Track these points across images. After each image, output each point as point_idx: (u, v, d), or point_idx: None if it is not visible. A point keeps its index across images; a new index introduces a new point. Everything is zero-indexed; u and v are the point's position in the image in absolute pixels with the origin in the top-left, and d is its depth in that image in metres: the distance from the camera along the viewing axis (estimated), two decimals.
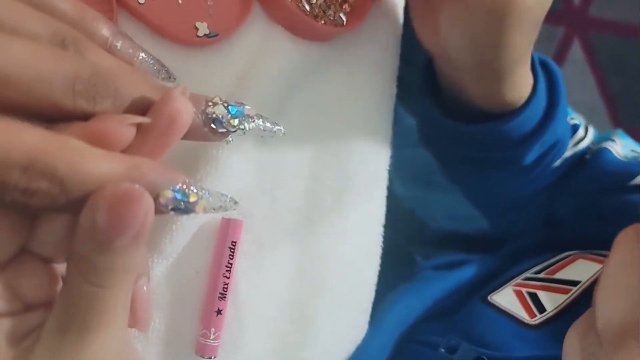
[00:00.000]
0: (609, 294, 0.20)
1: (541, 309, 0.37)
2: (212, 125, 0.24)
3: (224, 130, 0.25)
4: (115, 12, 0.30)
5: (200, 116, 0.24)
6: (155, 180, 0.21)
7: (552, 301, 0.37)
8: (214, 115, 0.24)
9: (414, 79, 0.44)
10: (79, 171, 0.19)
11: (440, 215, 0.62)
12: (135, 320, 0.25)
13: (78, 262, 0.20)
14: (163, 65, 0.29)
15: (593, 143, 0.50)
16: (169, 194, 0.22)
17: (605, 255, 0.39)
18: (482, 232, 0.61)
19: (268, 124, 0.26)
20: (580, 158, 0.49)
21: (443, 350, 0.37)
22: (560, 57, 1.32)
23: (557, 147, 0.45)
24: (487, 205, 0.54)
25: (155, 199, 0.21)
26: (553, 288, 0.39)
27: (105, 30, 0.26)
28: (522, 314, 0.37)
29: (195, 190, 0.23)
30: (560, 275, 0.40)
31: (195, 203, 0.23)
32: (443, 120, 0.42)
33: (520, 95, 0.40)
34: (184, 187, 0.22)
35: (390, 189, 0.42)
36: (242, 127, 0.25)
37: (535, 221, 0.53)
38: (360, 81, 0.40)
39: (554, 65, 0.44)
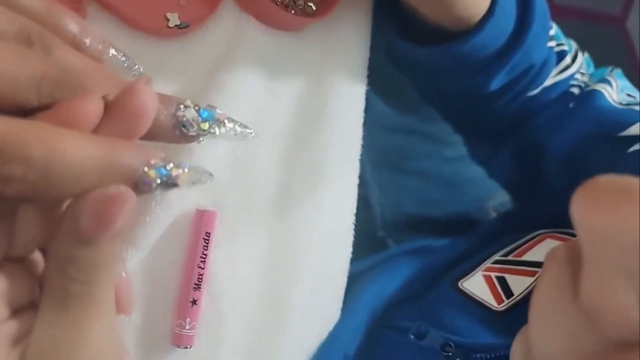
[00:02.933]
0: (540, 321, 0.18)
1: (509, 293, 0.38)
2: (183, 129, 0.24)
3: (194, 134, 0.24)
4: (85, 3, 0.30)
5: (170, 119, 0.24)
6: (134, 160, 0.21)
7: (519, 285, 0.38)
8: (184, 119, 0.24)
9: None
10: (57, 153, 0.19)
11: (411, 200, 0.63)
12: (119, 307, 0.25)
13: (61, 263, 0.20)
14: (134, 62, 0.28)
15: (583, 75, 0.47)
16: (153, 173, 0.22)
17: (571, 234, 0.40)
18: (452, 217, 0.62)
19: (238, 128, 0.26)
20: (566, 95, 0.46)
21: (412, 336, 0.38)
22: None
23: (531, 74, 0.43)
24: (463, 129, 0.54)
25: (138, 179, 0.21)
26: (520, 271, 0.39)
27: (73, 26, 0.25)
28: (490, 301, 0.38)
29: (175, 165, 0.23)
30: (527, 256, 0.40)
31: (177, 177, 0.23)
32: (401, 44, 0.41)
33: (473, 12, 0.37)
34: (164, 162, 0.22)
35: (361, 174, 0.42)
36: (212, 131, 0.25)
37: (514, 166, 0.51)
38: (332, 69, 0.41)
39: None
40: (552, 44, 0.45)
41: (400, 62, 0.44)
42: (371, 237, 0.59)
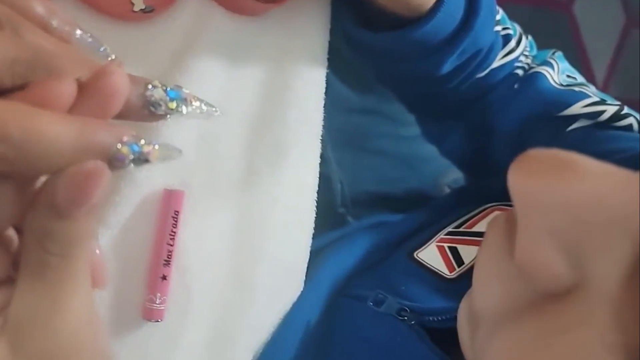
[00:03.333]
0: (482, 279, 0.20)
1: (460, 262, 0.40)
2: (151, 108, 0.25)
3: (162, 113, 0.26)
4: None
5: (139, 98, 0.24)
6: (108, 137, 0.22)
7: (469, 254, 0.41)
8: (153, 99, 0.25)
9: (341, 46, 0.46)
10: (34, 132, 0.20)
11: (370, 178, 0.65)
12: (93, 281, 0.26)
13: (39, 236, 0.21)
14: (101, 43, 0.29)
15: (527, 57, 0.49)
16: (125, 149, 0.23)
17: None
18: (409, 193, 0.65)
19: (204, 107, 0.27)
20: (512, 76, 0.48)
21: (370, 303, 0.40)
22: None
23: (479, 57, 0.45)
24: (417, 110, 0.56)
25: (111, 156, 0.22)
26: (471, 241, 0.42)
27: (40, 8, 0.25)
28: (443, 269, 0.40)
29: (146, 142, 0.24)
30: (477, 228, 0.43)
31: (149, 153, 0.23)
32: (356, 31, 0.42)
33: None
34: (136, 139, 0.23)
35: (323, 153, 0.44)
36: (180, 109, 0.26)
37: (464, 145, 0.54)
38: (293, 53, 0.42)
39: None
40: (498, 28, 0.47)
41: (356, 46, 0.46)
42: (332, 214, 0.61)
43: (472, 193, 0.53)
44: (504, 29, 0.49)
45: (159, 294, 0.34)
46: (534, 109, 0.47)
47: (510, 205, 0.43)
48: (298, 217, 0.43)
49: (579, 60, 1.46)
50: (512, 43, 0.49)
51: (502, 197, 0.46)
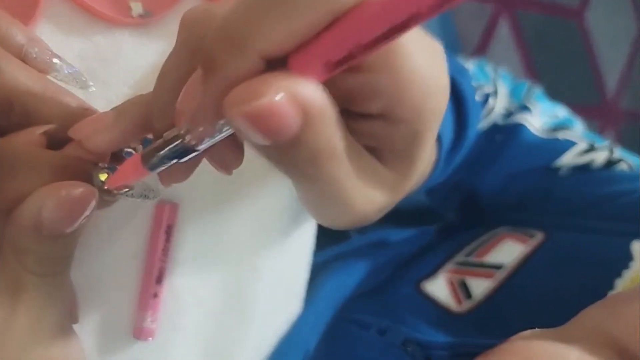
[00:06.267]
0: None
1: (468, 295, 0.39)
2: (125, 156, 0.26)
3: None
4: None
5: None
6: (85, 160, 0.23)
7: (478, 287, 0.39)
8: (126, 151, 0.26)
9: None
10: (9, 148, 0.20)
11: None
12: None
13: (19, 253, 0.21)
14: (80, 74, 0.28)
15: (509, 105, 0.47)
16: (105, 176, 0.23)
17: (529, 234, 0.41)
18: (415, 206, 0.63)
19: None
20: (492, 128, 0.46)
21: (374, 332, 0.39)
22: (488, 34, 1.36)
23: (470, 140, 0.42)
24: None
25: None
26: (480, 273, 0.40)
27: (20, 37, 0.25)
28: (451, 302, 0.39)
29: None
30: (487, 258, 0.41)
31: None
32: None
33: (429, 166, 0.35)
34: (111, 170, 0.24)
35: None
36: None
37: (447, 202, 0.53)
38: None
39: (463, 84, 0.39)
40: (477, 97, 0.44)
41: None
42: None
43: (475, 213, 0.52)
44: (479, 88, 0.46)
45: (150, 312, 0.33)
46: (520, 166, 0.45)
47: (521, 232, 0.40)
48: (298, 234, 0.41)
49: (591, 69, 1.43)
50: (490, 101, 0.46)
51: (507, 222, 0.44)
